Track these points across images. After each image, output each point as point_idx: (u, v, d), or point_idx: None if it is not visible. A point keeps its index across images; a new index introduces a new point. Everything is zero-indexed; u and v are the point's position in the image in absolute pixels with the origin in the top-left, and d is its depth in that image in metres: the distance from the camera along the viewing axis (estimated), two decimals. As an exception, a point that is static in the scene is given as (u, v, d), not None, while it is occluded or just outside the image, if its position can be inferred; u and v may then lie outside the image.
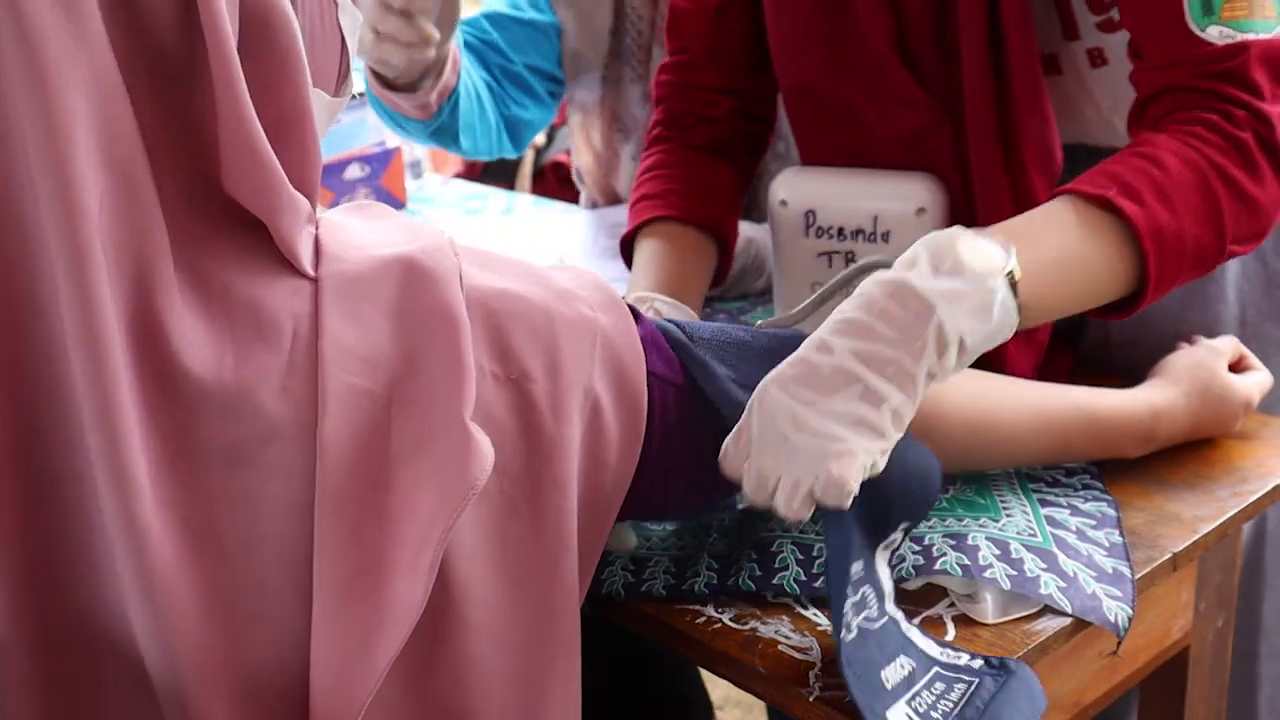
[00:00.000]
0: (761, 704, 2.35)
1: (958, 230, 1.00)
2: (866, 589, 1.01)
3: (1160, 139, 1.16)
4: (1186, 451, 1.31)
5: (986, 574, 1.11)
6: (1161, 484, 1.27)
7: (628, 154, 1.95)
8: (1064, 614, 1.09)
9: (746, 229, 1.68)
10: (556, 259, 1.84)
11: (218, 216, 0.84)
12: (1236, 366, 1.35)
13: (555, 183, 3.81)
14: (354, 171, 2.02)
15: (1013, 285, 1.01)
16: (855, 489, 0.94)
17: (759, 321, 1.16)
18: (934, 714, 0.99)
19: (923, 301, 0.96)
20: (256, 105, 0.83)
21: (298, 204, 0.87)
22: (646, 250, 1.39)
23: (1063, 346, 1.46)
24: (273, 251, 0.86)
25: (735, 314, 1.64)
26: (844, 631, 0.98)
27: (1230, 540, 1.30)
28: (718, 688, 2.36)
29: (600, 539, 0.95)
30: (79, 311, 0.77)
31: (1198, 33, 1.18)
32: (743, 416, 0.98)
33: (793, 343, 1.03)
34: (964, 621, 1.09)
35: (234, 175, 0.83)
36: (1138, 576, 1.14)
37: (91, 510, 0.82)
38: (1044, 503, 1.23)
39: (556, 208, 2.12)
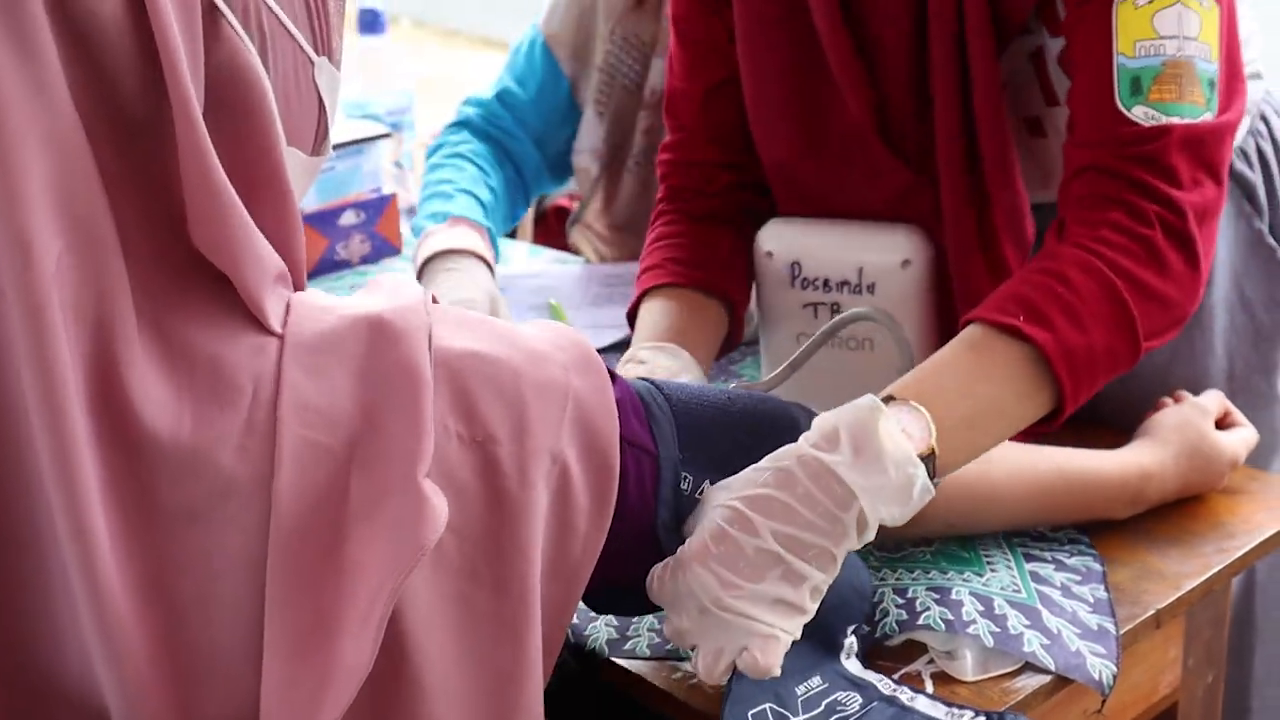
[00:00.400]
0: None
1: (877, 408, 1.01)
2: (838, 695, 1.05)
3: (1065, 251, 1.18)
4: (1173, 506, 1.30)
5: (970, 630, 1.11)
6: (1147, 539, 1.26)
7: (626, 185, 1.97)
8: (1046, 672, 1.09)
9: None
10: (544, 301, 1.84)
11: (184, 271, 0.84)
12: (1222, 423, 1.35)
13: (558, 228, 3.81)
14: (349, 218, 2.02)
15: (933, 458, 1.04)
16: (778, 671, 0.96)
17: (734, 384, 1.16)
18: None
19: (846, 490, 0.98)
20: (226, 161, 0.83)
21: (265, 259, 0.86)
22: (646, 315, 1.39)
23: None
24: (239, 307, 0.85)
25: (725, 363, 1.64)
26: None
27: (1218, 596, 1.30)
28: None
29: (569, 606, 0.94)
30: (36, 368, 0.77)
31: (1124, 112, 1.19)
32: (668, 573, 0.98)
33: (768, 411, 1.04)
34: (943, 679, 1.09)
35: (200, 228, 0.83)
36: (1121, 633, 1.13)
37: (53, 567, 0.81)
38: (1029, 557, 1.23)
39: (548, 256, 2.13)
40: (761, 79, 1.40)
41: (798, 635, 0.98)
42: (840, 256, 1.37)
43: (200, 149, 0.81)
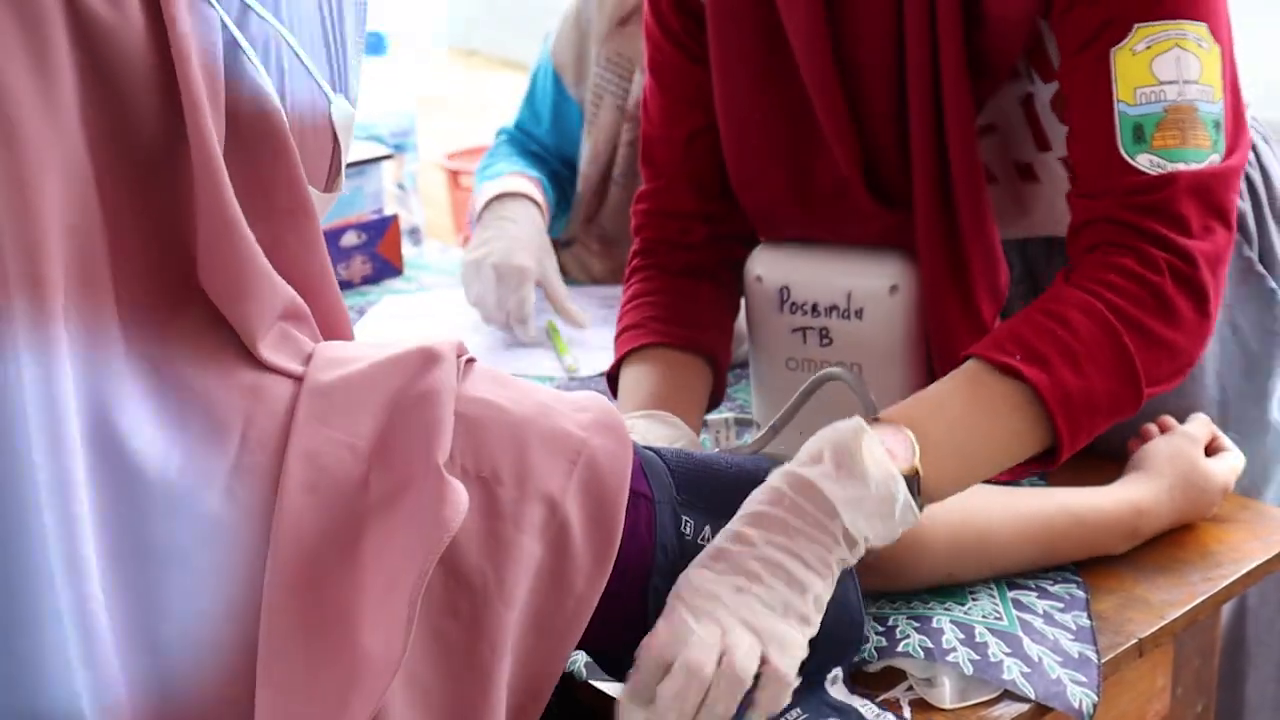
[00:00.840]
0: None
1: (861, 428, 1.03)
2: None
3: (1068, 294, 1.18)
4: (1162, 535, 1.30)
5: (949, 657, 1.11)
6: (1133, 566, 1.26)
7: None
8: (1025, 700, 1.09)
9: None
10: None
11: (185, 308, 0.84)
12: (1209, 449, 1.35)
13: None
14: (350, 239, 2.02)
15: (917, 479, 1.05)
16: (795, 681, 0.97)
17: (720, 449, 1.17)
18: None
19: (828, 503, 1.00)
20: (251, 197, 0.84)
21: (272, 298, 0.87)
22: (629, 379, 1.39)
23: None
24: (236, 344, 0.86)
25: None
26: None
27: (1206, 625, 1.29)
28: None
29: (559, 660, 0.93)
30: (41, 405, 0.77)
31: (1129, 160, 1.18)
32: (665, 615, 0.97)
33: (753, 466, 1.05)
34: (921, 706, 1.09)
35: (209, 267, 0.83)
36: (1103, 661, 1.13)
37: (45, 597, 0.81)
38: (1011, 585, 1.22)
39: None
40: (744, 129, 1.39)
41: (805, 651, 0.98)
42: (829, 281, 1.37)
43: (217, 185, 0.82)
